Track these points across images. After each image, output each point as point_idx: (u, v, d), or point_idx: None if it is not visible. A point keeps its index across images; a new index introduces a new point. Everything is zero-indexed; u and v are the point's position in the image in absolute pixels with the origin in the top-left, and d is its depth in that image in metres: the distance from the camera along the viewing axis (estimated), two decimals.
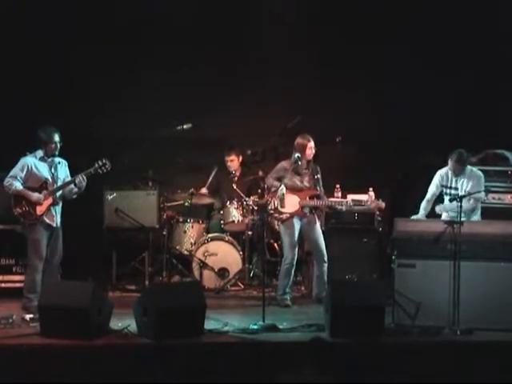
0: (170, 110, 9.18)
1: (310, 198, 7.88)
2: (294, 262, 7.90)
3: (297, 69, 9.35)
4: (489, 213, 7.82)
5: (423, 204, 7.73)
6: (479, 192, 7.40)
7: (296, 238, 7.87)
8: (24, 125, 8.45)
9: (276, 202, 7.86)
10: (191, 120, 8.91)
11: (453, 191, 7.57)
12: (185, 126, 8.86)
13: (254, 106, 9.39)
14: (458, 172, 7.53)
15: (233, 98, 9.35)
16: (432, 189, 7.72)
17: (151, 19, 9.27)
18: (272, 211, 7.92)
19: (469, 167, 7.59)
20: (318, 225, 7.94)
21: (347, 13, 9.27)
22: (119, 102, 9.19)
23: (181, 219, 8.99)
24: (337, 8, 9.26)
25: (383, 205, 7.87)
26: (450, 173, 7.61)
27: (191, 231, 8.97)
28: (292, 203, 7.86)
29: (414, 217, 7.60)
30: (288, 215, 7.86)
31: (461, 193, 7.40)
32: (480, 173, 7.64)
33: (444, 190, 7.67)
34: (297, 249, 7.89)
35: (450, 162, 7.54)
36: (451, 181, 7.61)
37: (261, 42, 9.34)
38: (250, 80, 9.33)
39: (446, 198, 7.64)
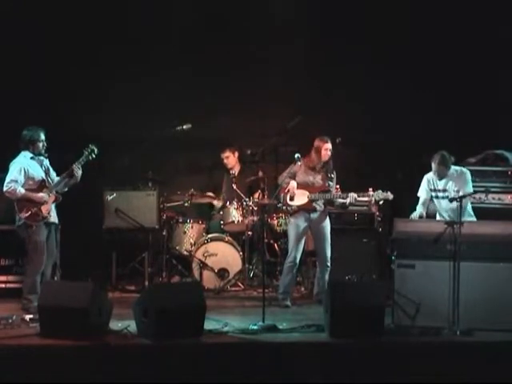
0: (170, 111, 9.19)
1: (319, 192, 7.88)
2: (297, 262, 7.89)
3: (297, 69, 9.36)
4: (489, 213, 7.80)
5: (419, 209, 7.61)
6: (472, 193, 7.36)
7: (302, 238, 7.86)
8: (23, 125, 8.46)
9: (286, 196, 7.87)
10: (191, 120, 8.92)
11: (441, 193, 7.53)
12: (184, 127, 8.87)
13: (254, 105, 9.40)
14: (443, 174, 7.42)
15: (233, 98, 9.36)
16: (422, 194, 7.64)
17: (151, 19, 9.28)
18: (280, 204, 7.96)
19: (453, 167, 7.49)
20: (327, 228, 7.91)
21: (347, 13, 9.27)
22: (119, 102, 9.20)
23: (180, 219, 9.00)
24: (337, 8, 9.26)
25: (391, 196, 7.79)
26: (435, 176, 7.57)
27: (191, 231, 8.98)
28: (301, 197, 7.86)
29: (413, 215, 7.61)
30: (296, 208, 7.86)
31: (451, 194, 7.36)
32: (465, 170, 7.57)
33: (433, 194, 7.60)
34: (301, 248, 7.88)
35: (433, 166, 7.42)
36: (438, 184, 7.52)
37: (261, 41, 9.34)
38: (250, 80, 9.33)
39: (436, 201, 7.58)
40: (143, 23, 9.27)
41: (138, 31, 9.25)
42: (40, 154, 7.46)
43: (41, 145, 7.42)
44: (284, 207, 7.97)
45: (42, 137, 7.42)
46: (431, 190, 7.59)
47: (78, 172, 7.42)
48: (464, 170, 7.57)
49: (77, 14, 9.09)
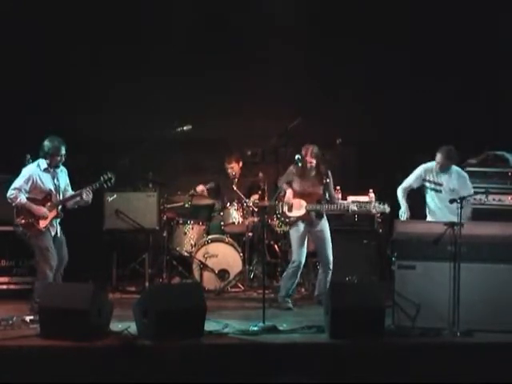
0: (170, 111, 9.18)
1: (316, 202, 7.86)
2: (302, 266, 7.86)
3: (297, 69, 9.35)
4: (489, 214, 7.81)
5: (400, 192, 7.72)
6: (474, 194, 7.45)
7: (304, 242, 7.84)
8: (24, 125, 8.48)
9: (284, 206, 7.86)
10: (191, 120, 8.91)
11: (433, 185, 7.61)
12: (185, 128, 8.85)
13: (254, 106, 9.39)
14: (445, 168, 7.55)
15: (233, 98, 9.35)
16: (410, 179, 7.74)
17: (151, 19, 9.28)
18: (279, 215, 7.94)
19: (454, 167, 7.61)
20: (326, 230, 7.87)
21: (347, 13, 9.27)
22: (119, 103, 9.19)
23: (181, 221, 8.99)
24: (337, 8, 9.26)
25: (388, 209, 7.76)
26: (434, 168, 7.62)
27: (191, 232, 8.98)
28: (299, 207, 7.84)
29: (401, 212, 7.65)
30: (294, 219, 7.85)
31: (445, 190, 7.49)
32: (465, 174, 7.70)
33: (427, 185, 7.68)
34: (305, 252, 7.84)
35: (439, 157, 7.54)
36: (435, 175, 7.62)
37: (261, 42, 9.34)
38: (250, 80, 9.33)
39: (434, 194, 7.64)
40: (143, 23, 9.27)
41: (138, 31, 9.24)
42: (56, 167, 7.39)
43: (58, 159, 7.31)
44: (283, 219, 7.94)
45: (62, 152, 7.29)
46: (427, 180, 7.65)
47: (89, 195, 7.36)
48: (464, 173, 7.68)
49: (77, 14, 9.08)
